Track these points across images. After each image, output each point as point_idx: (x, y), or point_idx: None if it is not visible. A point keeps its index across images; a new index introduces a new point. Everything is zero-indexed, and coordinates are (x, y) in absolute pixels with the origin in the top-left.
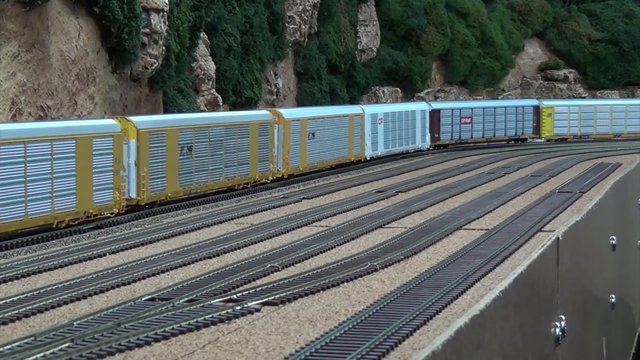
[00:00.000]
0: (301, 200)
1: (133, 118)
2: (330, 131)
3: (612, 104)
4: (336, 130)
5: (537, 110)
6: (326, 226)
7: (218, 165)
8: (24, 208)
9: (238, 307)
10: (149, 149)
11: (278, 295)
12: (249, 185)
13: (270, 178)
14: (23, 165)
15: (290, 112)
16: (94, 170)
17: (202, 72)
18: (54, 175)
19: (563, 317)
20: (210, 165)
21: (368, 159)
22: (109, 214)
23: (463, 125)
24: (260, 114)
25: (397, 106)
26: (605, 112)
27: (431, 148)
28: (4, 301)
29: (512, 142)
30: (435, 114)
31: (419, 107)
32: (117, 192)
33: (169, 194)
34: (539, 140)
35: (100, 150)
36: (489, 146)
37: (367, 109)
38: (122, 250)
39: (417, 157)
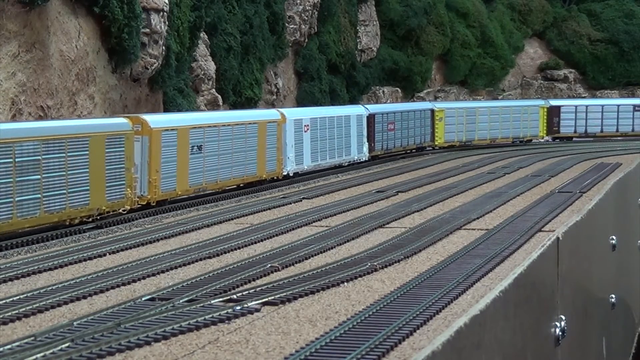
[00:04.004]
0: (301, 200)
1: None
2: (228, 143)
3: (492, 106)
4: (239, 141)
5: (432, 114)
6: (326, 226)
7: (31, 195)
8: None
9: (238, 307)
10: None
11: (278, 295)
12: (89, 220)
13: (128, 207)
14: None
15: (161, 120)
16: None
17: (202, 72)
18: None
19: (563, 317)
20: (17, 195)
21: (290, 174)
22: None
23: (389, 132)
24: (111, 122)
25: (327, 110)
26: (484, 115)
27: (368, 159)
28: (4, 301)
29: (414, 151)
30: (371, 120)
31: (355, 111)
32: None
33: None
34: (433, 148)
35: None
36: (412, 154)
37: (290, 114)
38: (122, 250)
39: (418, 157)
